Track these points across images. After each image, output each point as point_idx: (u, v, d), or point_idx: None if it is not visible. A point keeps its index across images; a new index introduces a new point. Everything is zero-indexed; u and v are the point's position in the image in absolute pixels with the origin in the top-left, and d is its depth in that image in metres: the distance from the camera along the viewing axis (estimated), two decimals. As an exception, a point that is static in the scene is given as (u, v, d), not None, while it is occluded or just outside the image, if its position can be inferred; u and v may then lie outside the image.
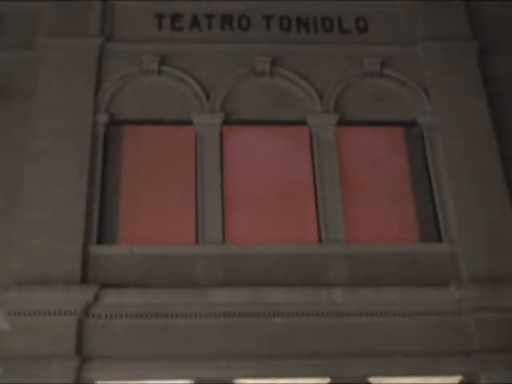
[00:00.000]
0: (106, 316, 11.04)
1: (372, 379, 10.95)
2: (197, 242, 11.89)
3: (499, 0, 14.75)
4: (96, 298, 10.99)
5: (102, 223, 11.95)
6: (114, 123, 12.97)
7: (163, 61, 13.51)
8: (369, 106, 13.41)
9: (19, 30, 13.80)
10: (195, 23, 14.16)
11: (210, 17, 14.23)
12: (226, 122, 13.04)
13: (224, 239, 11.92)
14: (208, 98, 13.23)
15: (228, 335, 11.04)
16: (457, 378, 11.03)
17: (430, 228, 12.28)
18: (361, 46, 13.98)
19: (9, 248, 11.42)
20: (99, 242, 11.78)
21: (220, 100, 13.24)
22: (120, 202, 12.25)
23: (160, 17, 14.17)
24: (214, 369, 10.80)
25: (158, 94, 13.34)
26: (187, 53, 13.70)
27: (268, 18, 14.28)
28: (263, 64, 13.53)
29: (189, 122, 13.00)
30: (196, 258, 11.64)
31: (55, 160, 12.15)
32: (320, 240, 12.03)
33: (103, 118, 12.85)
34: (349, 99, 13.45)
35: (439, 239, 12.14)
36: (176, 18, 14.19)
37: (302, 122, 13.13)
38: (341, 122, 13.13)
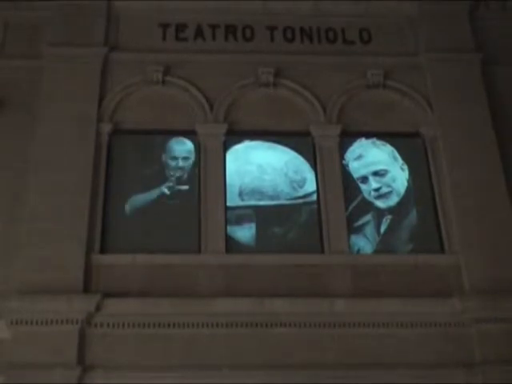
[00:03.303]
0: (107, 325, 11.00)
1: (373, 390, 10.93)
2: (199, 251, 11.89)
3: (502, 11, 14.79)
4: (98, 308, 10.95)
5: (104, 232, 11.93)
6: (118, 133, 12.98)
7: (167, 71, 13.53)
8: (372, 117, 13.41)
9: (23, 39, 13.83)
10: (199, 33, 14.20)
11: (214, 27, 14.27)
12: (230, 132, 13.06)
13: (227, 249, 11.92)
14: (212, 108, 13.24)
15: (230, 345, 10.99)
16: (459, 390, 11.02)
17: (433, 239, 12.26)
18: (364, 57, 14.00)
19: (11, 257, 11.40)
20: (102, 251, 11.75)
21: (224, 110, 13.25)
22: (123, 211, 12.27)
23: (164, 27, 14.21)
24: (216, 379, 10.74)
25: (162, 104, 13.35)
26: (191, 63, 13.71)
27: (272, 28, 14.32)
28: (267, 75, 13.54)
29: (192, 132, 13.03)
30: (198, 268, 11.63)
31: (58, 169, 12.15)
32: (323, 250, 12.03)
33: (107, 127, 12.86)
34: (352, 110, 13.45)
35: (442, 250, 12.12)
36: (180, 28, 14.23)
37: (306, 133, 13.16)
38: (344, 133, 13.15)
